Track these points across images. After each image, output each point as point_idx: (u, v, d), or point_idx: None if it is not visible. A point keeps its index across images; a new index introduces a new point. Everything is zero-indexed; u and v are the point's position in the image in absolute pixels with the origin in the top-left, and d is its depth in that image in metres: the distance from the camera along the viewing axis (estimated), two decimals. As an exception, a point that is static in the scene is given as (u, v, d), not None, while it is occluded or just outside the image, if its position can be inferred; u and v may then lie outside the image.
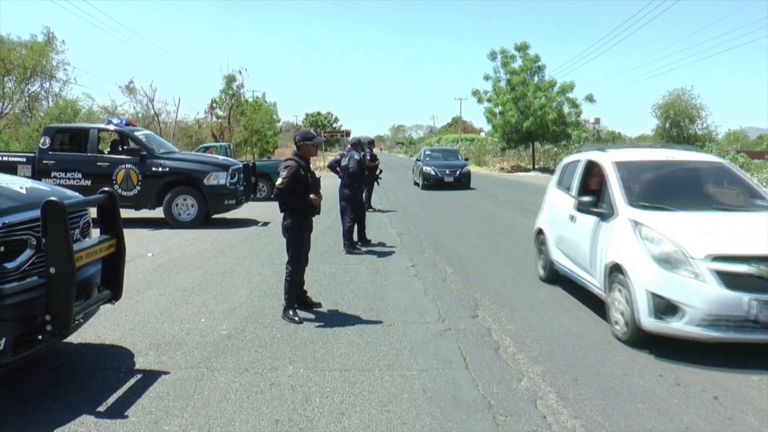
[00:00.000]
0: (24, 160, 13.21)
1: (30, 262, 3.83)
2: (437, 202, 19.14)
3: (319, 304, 6.51)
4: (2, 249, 3.67)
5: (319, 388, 4.30)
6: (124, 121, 14.03)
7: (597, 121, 58.38)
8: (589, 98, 41.12)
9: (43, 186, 4.71)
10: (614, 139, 51.61)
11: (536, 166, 45.00)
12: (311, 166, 6.38)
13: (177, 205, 12.89)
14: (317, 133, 6.63)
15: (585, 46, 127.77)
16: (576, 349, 5.17)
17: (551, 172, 14.87)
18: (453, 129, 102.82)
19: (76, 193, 4.86)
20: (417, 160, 27.97)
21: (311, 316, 6.18)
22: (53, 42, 35.08)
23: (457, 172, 24.67)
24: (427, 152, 28.22)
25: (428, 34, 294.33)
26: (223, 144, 29.26)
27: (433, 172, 24.67)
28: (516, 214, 16.06)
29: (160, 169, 12.88)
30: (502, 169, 46.60)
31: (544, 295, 7.09)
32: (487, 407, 3.99)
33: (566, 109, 41.37)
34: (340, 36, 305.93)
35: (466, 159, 30.04)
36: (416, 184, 26.73)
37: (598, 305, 6.24)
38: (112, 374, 4.56)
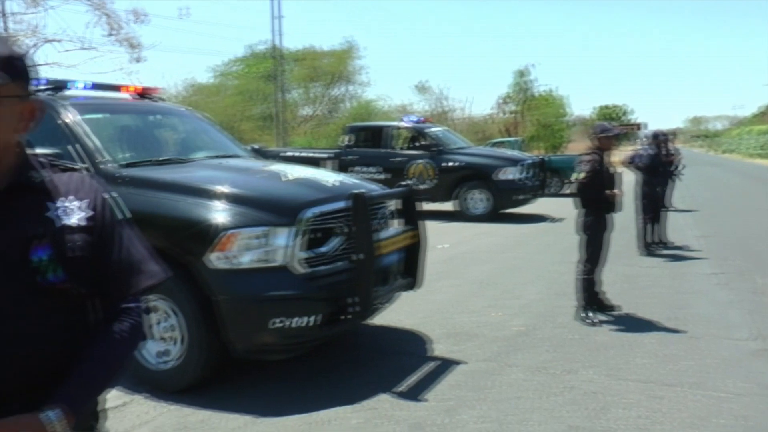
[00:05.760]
0: (329, 156, 14.61)
1: (339, 248, 4.14)
2: (749, 203, 16.48)
3: (614, 307, 5.99)
4: (318, 235, 4.03)
5: (618, 399, 3.92)
6: (419, 119, 14.84)
7: None
8: None
9: (351, 179, 5.09)
10: None
11: None
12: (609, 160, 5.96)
13: (468, 198, 13.20)
14: (611, 126, 6.18)
15: None
16: None
17: None
18: (764, 119, 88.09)
19: (380, 186, 5.17)
20: None
21: (606, 319, 5.73)
22: (355, 50, 39.25)
23: None
24: None
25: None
26: (516, 139, 29.42)
27: None
28: None
29: (452, 164, 13.33)
30: None
31: None
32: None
33: None
34: (630, 27, 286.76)
35: None
36: None
37: None
38: (407, 358, 4.73)
